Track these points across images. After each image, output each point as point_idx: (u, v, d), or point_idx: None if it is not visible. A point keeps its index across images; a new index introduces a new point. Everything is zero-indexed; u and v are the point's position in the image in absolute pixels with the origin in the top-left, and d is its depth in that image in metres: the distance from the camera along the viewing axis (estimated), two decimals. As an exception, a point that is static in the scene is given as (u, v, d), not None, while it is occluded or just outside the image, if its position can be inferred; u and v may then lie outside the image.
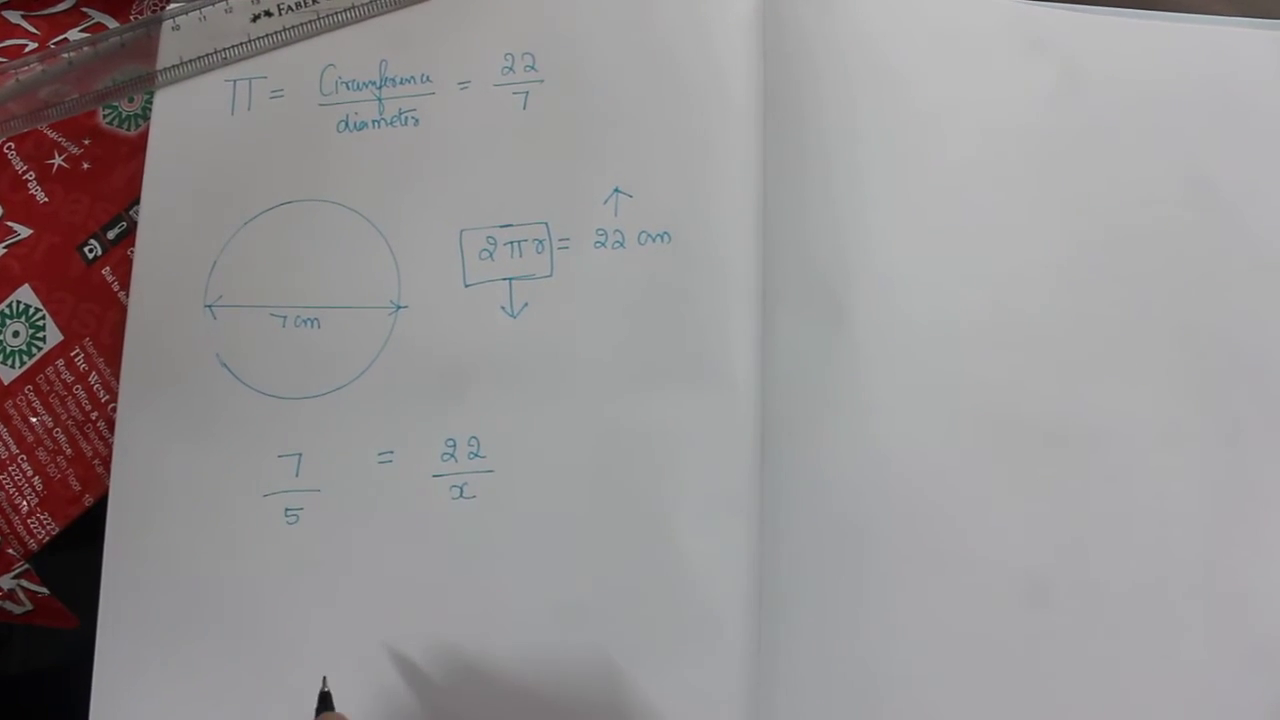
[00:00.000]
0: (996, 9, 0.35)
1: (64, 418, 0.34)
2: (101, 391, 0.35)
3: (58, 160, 0.36)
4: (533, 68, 0.34)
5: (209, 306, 0.34)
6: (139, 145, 0.35)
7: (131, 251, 0.35)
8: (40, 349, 0.35)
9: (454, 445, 0.32)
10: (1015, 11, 0.35)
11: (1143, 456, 0.33)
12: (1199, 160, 0.35)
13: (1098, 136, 0.35)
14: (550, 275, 0.33)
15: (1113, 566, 0.32)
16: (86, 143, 0.36)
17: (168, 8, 0.35)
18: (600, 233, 0.33)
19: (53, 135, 0.36)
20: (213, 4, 0.35)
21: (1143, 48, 0.35)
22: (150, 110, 0.35)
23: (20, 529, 0.34)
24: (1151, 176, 0.34)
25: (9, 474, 0.34)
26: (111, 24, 0.37)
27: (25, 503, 0.34)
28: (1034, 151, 0.35)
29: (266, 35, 0.35)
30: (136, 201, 0.35)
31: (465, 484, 0.32)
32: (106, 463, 0.33)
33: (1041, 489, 0.33)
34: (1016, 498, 0.32)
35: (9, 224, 0.35)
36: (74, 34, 0.37)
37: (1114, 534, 0.32)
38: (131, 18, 0.37)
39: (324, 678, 0.30)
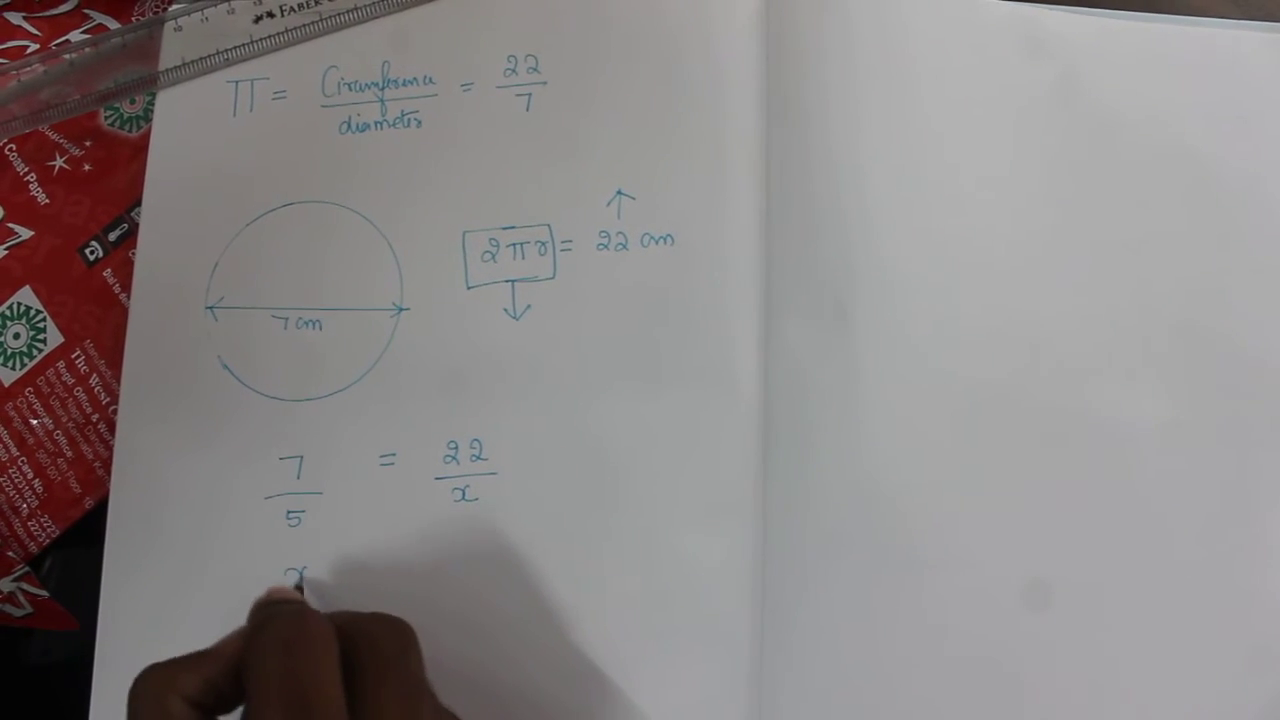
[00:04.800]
0: (998, 11, 0.35)
1: (64, 420, 0.34)
2: (102, 394, 0.34)
3: (59, 162, 0.36)
4: (536, 69, 0.34)
5: (210, 308, 0.34)
6: (140, 146, 0.35)
7: (133, 253, 0.34)
8: (41, 351, 0.34)
9: (456, 448, 0.32)
10: (1016, 13, 0.35)
11: (1144, 457, 0.33)
12: (1199, 162, 0.35)
13: (1098, 138, 0.35)
14: (553, 277, 0.33)
15: (1114, 567, 0.32)
16: (88, 144, 0.36)
17: (170, 9, 0.35)
18: (603, 234, 0.33)
19: (54, 136, 0.36)
20: (215, 5, 0.35)
21: (1143, 50, 0.35)
22: (152, 111, 0.35)
23: (20, 531, 0.34)
24: (1152, 178, 0.34)
25: (9, 476, 0.34)
26: (113, 25, 0.37)
27: (25, 505, 0.34)
28: (1035, 153, 0.35)
29: (269, 36, 0.35)
30: (138, 203, 0.35)
31: (468, 486, 0.32)
32: (107, 465, 0.33)
33: (1044, 490, 0.32)
34: (1019, 500, 0.32)
35: (10, 225, 0.35)
36: (76, 35, 0.37)
37: (1115, 534, 0.32)
38: (133, 19, 0.37)
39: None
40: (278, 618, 0.24)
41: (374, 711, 0.23)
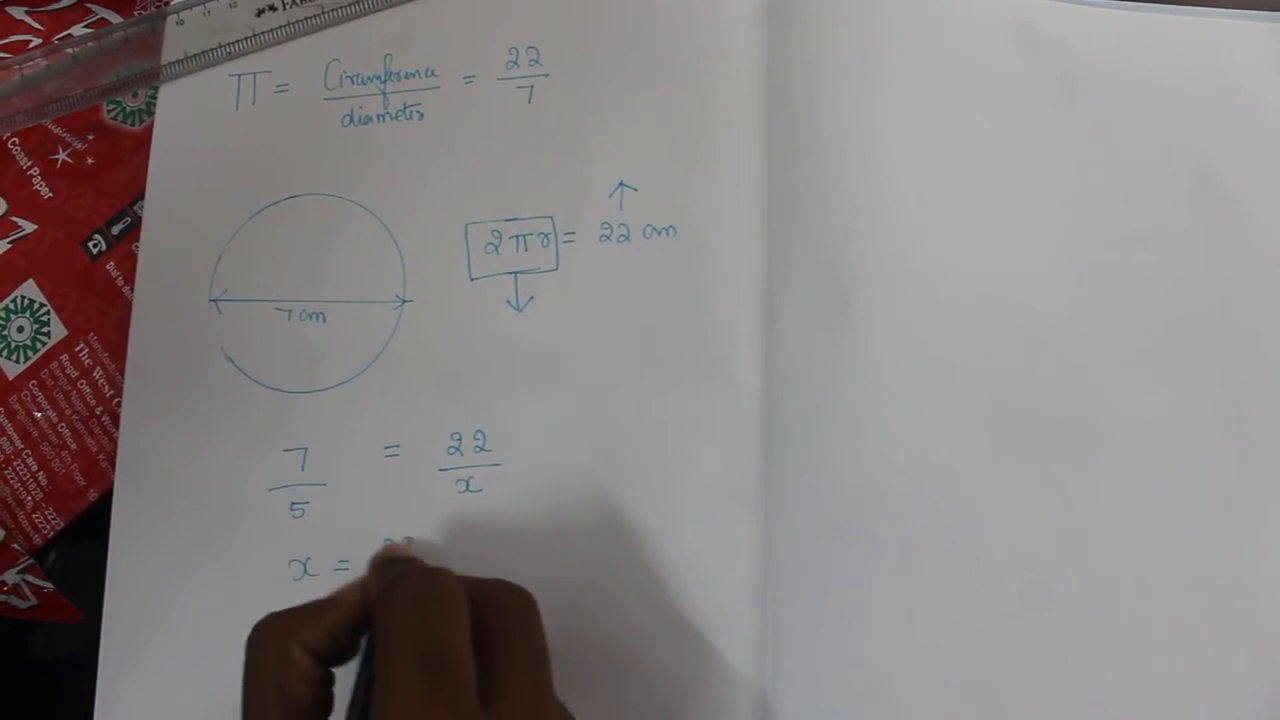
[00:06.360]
0: (1000, 3, 0.36)
1: (68, 413, 0.34)
2: (106, 386, 0.35)
3: (62, 155, 0.36)
4: (537, 61, 0.34)
5: (214, 301, 0.34)
6: (143, 140, 0.35)
7: (136, 246, 0.35)
8: (45, 344, 0.35)
9: (460, 439, 0.32)
10: (1018, 6, 0.36)
11: (1148, 451, 0.33)
12: (1201, 153, 0.35)
13: (1100, 130, 0.35)
14: (555, 269, 0.33)
15: (1117, 561, 0.32)
16: (91, 138, 0.36)
17: (172, 2, 0.35)
18: (605, 226, 0.33)
19: (57, 130, 0.36)
20: (217, -1, 0.35)
21: (1145, 41, 0.36)
22: (154, 105, 0.35)
23: (25, 524, 0.34)
24: (1154, 169, 0.35)
25: (13, 469, 0.34)
26: (115, 19, 0.37)
27: (30, 498, 0.34)
28: (1037, 145, 0.35)
29: (271, 30, 0.35)
30: (141, 197, 0.35)
31: (471, 478, 0.32)
32: (111, 458, 0.33)
33: (1047, 484, 0.33)
34: (1022, 493, 0.32)
35: (13, 219, 0.35)
36: (78, 29, 0.37)
37: (1118, 528, 0.32)
38: (135, 13, 0.37)
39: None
40: (413, 574, 0.24)
41: (501, 676, 0.23)
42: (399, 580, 0.23)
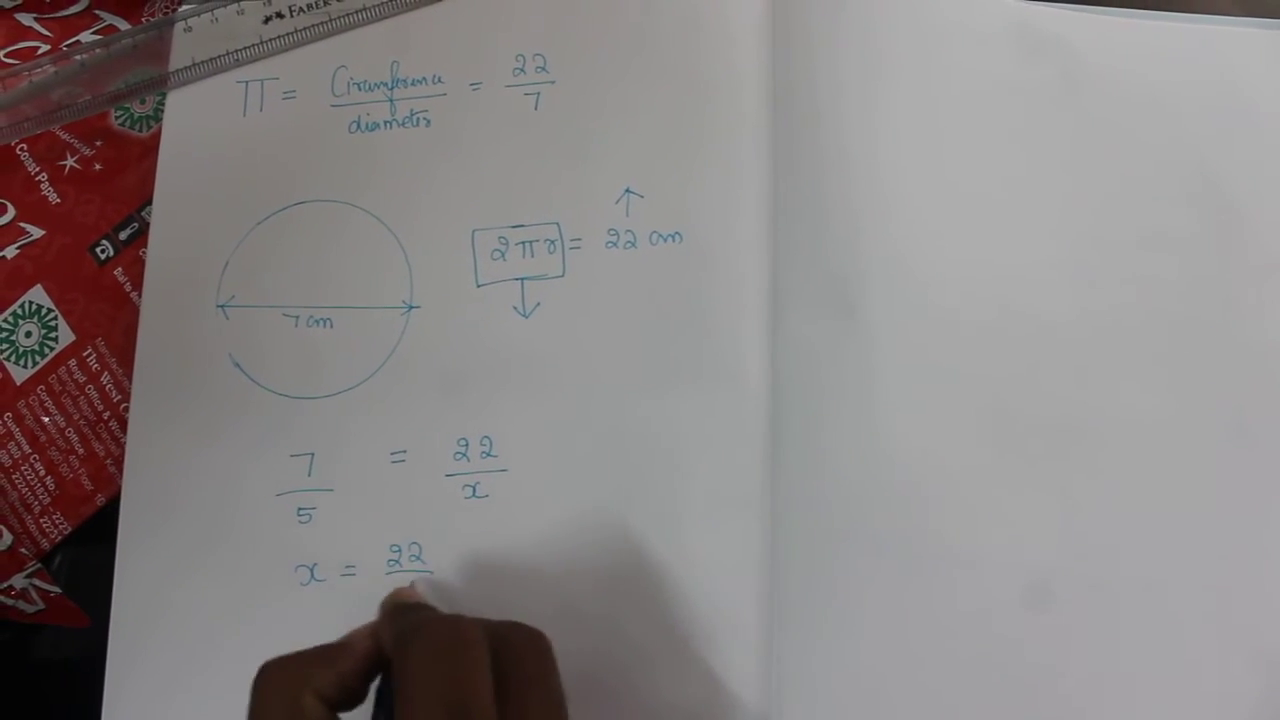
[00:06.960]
0: (1001, 9, 0.36)
1: (76, 417, 0.34)
2: (114, 391, 0.35)
3: (70, 161, 0.36)
4: (544, 68, 0.34)
5: (221, 306, 0.34)
6: (151, 146, 0.35)
7: (143, 252, 0.35)
8: (52, 349, 0.35)
9: (466, 445, 0.32)
10: (1019, 10, 0.36)
11: (1150, 454, 0.33)
12: (1202, 159, 0.35)
13: (1101, 136, 0.35)
14: (562, 275, 0.33)
15: (1119, 564, 0.32)
16: (98, 144, 0.36)
17: (180, 9, 0.36)
18: (612, 233, 0.33)
19: (65, 137, 0.36)
20: (225, 6, 0.35)
21: (1145, 47, 0.36)
22: (162, 112, 0.35)
23: (33, 528, 0.34)
24: (1155, 175, 0.35)
25: (21, 473, 0.34)
26: (124, 26, 0.37)
27: (38, 502, 0.34)
28: (1040, 149, 0.35)
29: (278, 37, 0.35)
30: (148, 202, 0.35)
31: (478, 483, 0.32)
32: (119, 462, 0.34)
33: (1050, 487, 0.33)
34: (1025, 496, 0.33)
35: (21, 225, 0.35)
36: (86, 36, 0.37)
37: (1121, 531, 0.32)
38: (143, 20, 0.37)
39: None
40: (432, 623, 0.24)
41: None
42: (419, 629, 0.23)
